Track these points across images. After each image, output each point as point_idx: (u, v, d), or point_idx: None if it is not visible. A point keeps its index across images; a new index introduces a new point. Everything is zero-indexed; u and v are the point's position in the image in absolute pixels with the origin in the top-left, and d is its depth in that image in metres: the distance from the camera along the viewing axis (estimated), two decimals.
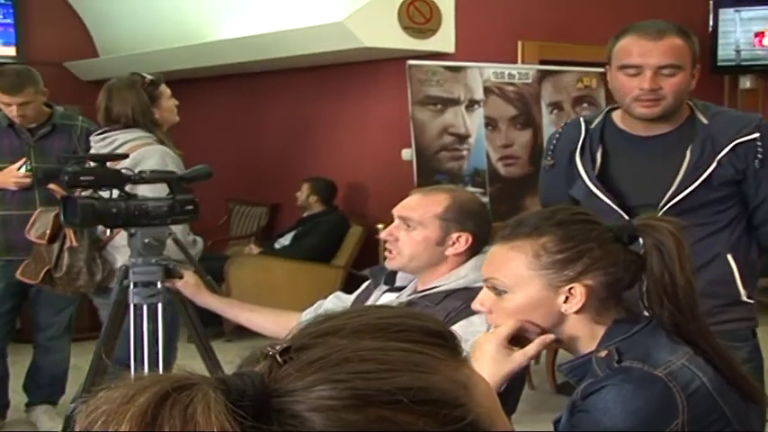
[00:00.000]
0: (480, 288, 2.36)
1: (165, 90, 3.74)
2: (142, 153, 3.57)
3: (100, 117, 3.71)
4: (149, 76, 3.68)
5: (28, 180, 4.23)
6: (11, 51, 7.71)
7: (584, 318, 1.65)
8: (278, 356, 0.76)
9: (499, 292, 1.70)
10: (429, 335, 0.81)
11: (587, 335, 1.66)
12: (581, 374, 1.64)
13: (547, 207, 2.20)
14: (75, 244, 3.63)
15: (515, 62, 6.25)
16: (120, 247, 3.60)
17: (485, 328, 2.12)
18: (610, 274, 1.63)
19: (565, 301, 1.64)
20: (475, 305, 1.78)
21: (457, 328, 2.22)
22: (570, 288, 1.63)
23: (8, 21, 7.73)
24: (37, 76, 4.30)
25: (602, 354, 1.61)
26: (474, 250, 2.49)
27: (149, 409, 0.68)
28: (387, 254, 2.54)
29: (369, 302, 2.65)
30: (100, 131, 3.71)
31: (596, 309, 1.65)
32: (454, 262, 2.48)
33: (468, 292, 2.37)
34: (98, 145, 3.69)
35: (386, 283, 2.68)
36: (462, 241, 2.46)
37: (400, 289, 2.62)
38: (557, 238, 1.65)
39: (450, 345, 0.83)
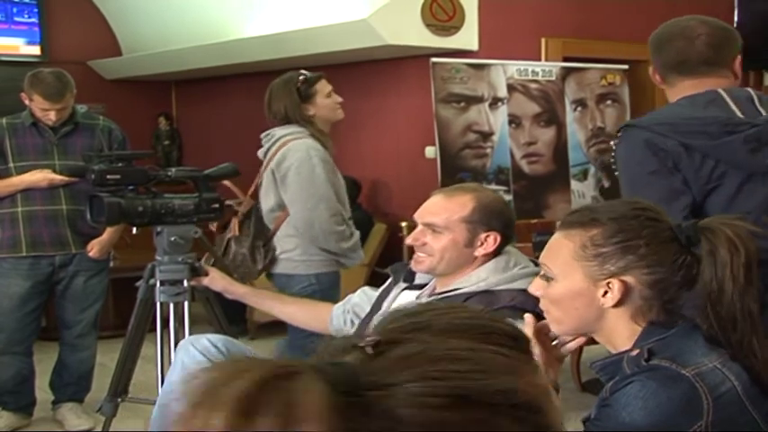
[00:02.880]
0: (505, 291, 2.37)
1: (322, 88, 3.83)
2: (289, 147, 3.72)
3: (265, 114, 3.92)
4: (306, 74, 3.82)
5: (59, 177, 4.25)
6: (35, 50, 7.75)
7: (624, 315, 1.64)
8: (370, 348, 0.75)
9: (547, 278, 1.72)
10: (509, 338, 0.81)
11: (625, 333, 1.65)
12: (612, 373, 1.63)
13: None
14: (236, 233, 3.79)
15: (539, 59, 6.22)
16: (282, 237, 3.77)
17: None
18: (655, 274, 1.62)
19: (603, 295, 1.64)
20: (531, 288, 1.81)
21: None
22: (608, 282, 1.63)
23: (33, 20, 7.76)
24: (72, 80, 4.34)
25: (634, 353, 1.60)
26: (501, 247, 2.49)
27: (249, 393, 0.66)
28: (416, 257, 2.53)
29: (388, 299, 2.66)
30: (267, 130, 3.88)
31: (638, 307, 1.64)
32: (483, 261, 2.49)
33: (489, 296, 2.38)
34: (263, 141, 3.90)
35: (405, 281, 2.68)
36: (491, 241, 2.46)
37: (419, 287, 2.62)
38: (606, 231, 1.64)
39: (527, 349, 0.82)
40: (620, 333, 1.66)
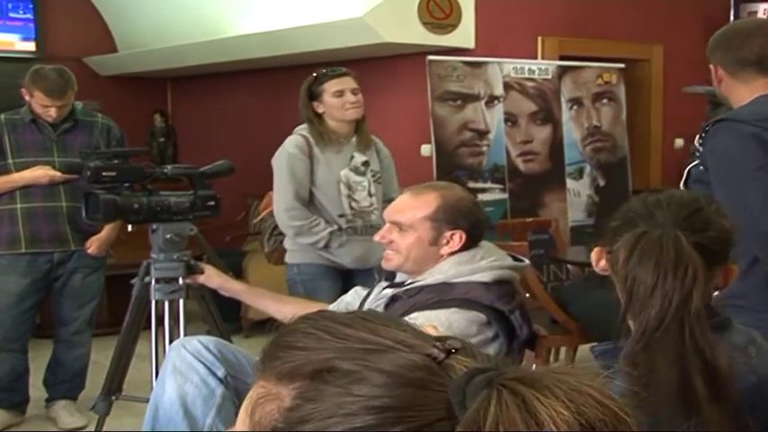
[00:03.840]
0: (461, 283, 2.38)
1: (329, 86, 3.88)
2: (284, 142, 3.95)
3: None
4: (322, 72, 3.93)
5: (59, 174, 4.24)
6: (30, 47, 7.73)
7: None
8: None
9: None
10: None
11: None
12: (610, 360, 1.63)
13: None
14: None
15: (535, 58, 6.23)
16: None
17: (444, 325, 2.18)
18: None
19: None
20: None
21: (414, 316, 2.25)
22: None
23: (28, 16, 7.74)
24: (73, 77, 4.33)
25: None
26: (469, 246, 2.50)
27: None
28: (385, 255, 2.58)
29: (371, 297, 2.68)
30: None
31: None
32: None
33: (446, 287, 2.40)
34: None
35: (387, 279, 2.73)
36: (456, 239, 2.48)
37: (400, 285, 2.63)
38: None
39: None
40: None
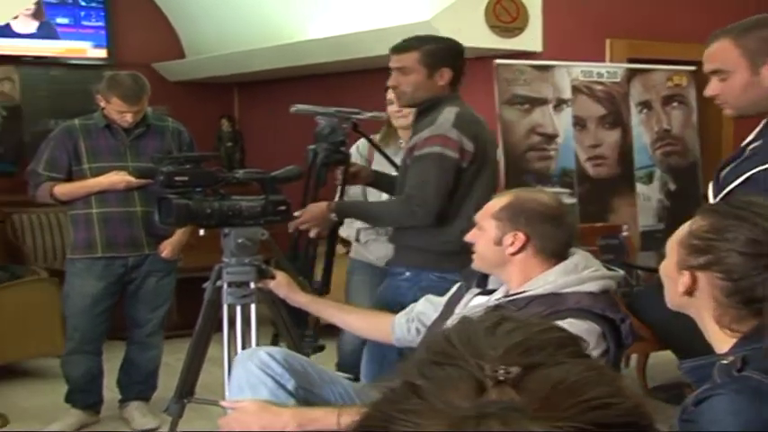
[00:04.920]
0: (571, 294, 2.33)
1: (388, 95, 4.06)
2: None
3: None
4: None
5: (135, 180, 4.30)
6: (102, 53, 7.85)
7: (707, 311, 1.63)
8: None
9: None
10: (576, 343, 0.84)
11: (713, 334, 1.63)
12: (701, 377, 1.59)
13: None
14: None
15: (604, 61, 6.15)
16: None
17: None
18: (731, 281, 1.59)
19: (681, 285, 1.66)
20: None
21: None
22: (685, 274, 1.65)
23: (99, 23, 7.86)
24: (147, 83, 4.40)
25: (727, 360, 1.55)
26: (543, 251, 2.44)
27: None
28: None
29: (460, 306, 2.63)
30: None
31: (724, 309, 1.61)
32: (522, 263, 2.44)
33: (557, 298, 2.34)
34: None
35: (478, 286, 2.66)
36: (517, 241, 2.42)
37: (491, 292, 2.60)
38: (705, 224, 1.64)
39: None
40: (707, 330, 1.65)
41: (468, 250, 2.58)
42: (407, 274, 3.40)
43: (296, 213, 3.34)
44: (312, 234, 3.42)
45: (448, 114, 3.35)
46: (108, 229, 4.37)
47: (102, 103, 4.35)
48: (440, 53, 3.46)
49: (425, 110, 3.44)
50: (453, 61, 3.50)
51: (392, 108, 4.11)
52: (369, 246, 4.19)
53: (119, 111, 4.31)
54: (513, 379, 0.72)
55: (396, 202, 3.50)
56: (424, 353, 0.79)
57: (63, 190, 4.39)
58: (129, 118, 4.32)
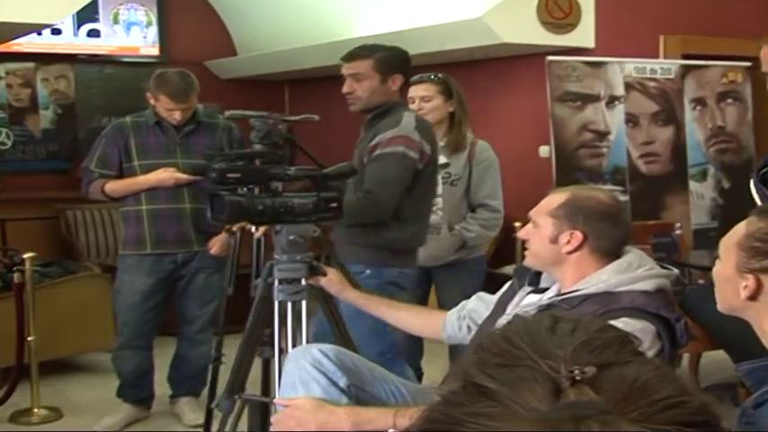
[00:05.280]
0: (625, 293, 2.29)
1: (409, 93, 4.14)
2: None
3: None
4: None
5: (184, 177, 4.33)
6: (154, 51, 7.92)
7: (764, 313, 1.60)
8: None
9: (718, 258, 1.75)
10: (632, 342, 0.83)
11: None
12: (759, 379, 1.56)
13: None
14: None
15: (657, 57, 6.09)
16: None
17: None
18: None
19: (744, 288, 1.64)
20: None
21: None
22: (749, 277, 1.63)
23: (152, 21, 7.93)
24: (196, 80, 4.43)
25: None
26: (599, 250, 2.40)
27: None
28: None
29: (512, 304, 2.61)
30: None
31: None
32: (577, 262, 2.41)
33: (610, 297, 2.31)
34: None
35: (530, 284, 2.64)
36: (574, 240, 2.39)
37: (544, 290, 2.57)
38: (764, 225, 1.63)
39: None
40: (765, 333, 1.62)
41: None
42: (368, 271, 3.57)
43: None
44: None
45: (409, 118, 3.61)
46: (157, 225, 4.41)
47: (152, 101, 4.39)
48: (392, 60, 3.69)
49: (379, 114, 3.66)
50: (404, 67, 3.72)
51: (415, 107, 4.16)
52: None
53: (167, 108, 4.34)
54: (589, 379, 0.71)
55: (356, 199, 3.57)
56: (483, 353, 0.78)
57: (114, 187, 4.43)
58: (177, 115, 4.35)
